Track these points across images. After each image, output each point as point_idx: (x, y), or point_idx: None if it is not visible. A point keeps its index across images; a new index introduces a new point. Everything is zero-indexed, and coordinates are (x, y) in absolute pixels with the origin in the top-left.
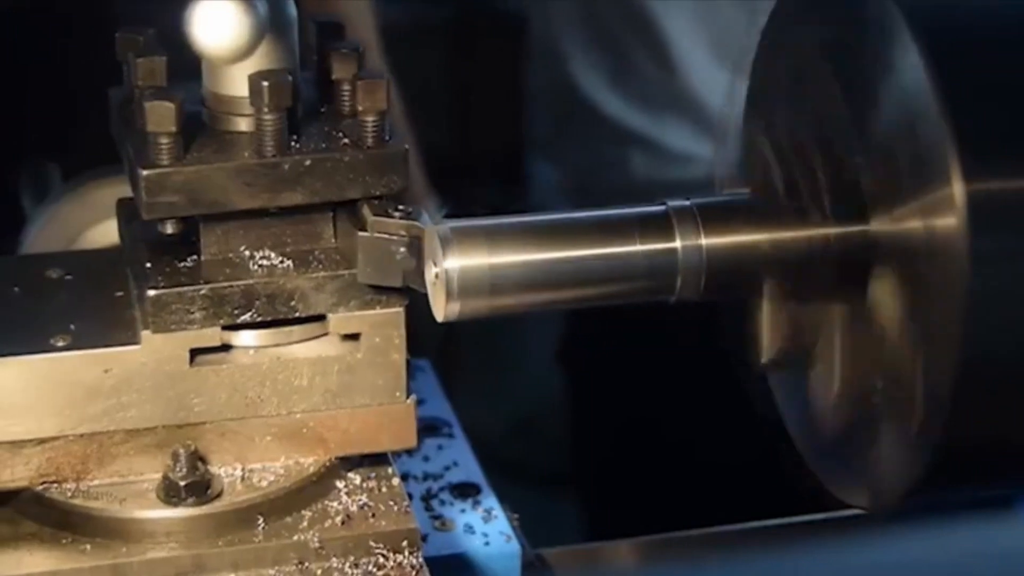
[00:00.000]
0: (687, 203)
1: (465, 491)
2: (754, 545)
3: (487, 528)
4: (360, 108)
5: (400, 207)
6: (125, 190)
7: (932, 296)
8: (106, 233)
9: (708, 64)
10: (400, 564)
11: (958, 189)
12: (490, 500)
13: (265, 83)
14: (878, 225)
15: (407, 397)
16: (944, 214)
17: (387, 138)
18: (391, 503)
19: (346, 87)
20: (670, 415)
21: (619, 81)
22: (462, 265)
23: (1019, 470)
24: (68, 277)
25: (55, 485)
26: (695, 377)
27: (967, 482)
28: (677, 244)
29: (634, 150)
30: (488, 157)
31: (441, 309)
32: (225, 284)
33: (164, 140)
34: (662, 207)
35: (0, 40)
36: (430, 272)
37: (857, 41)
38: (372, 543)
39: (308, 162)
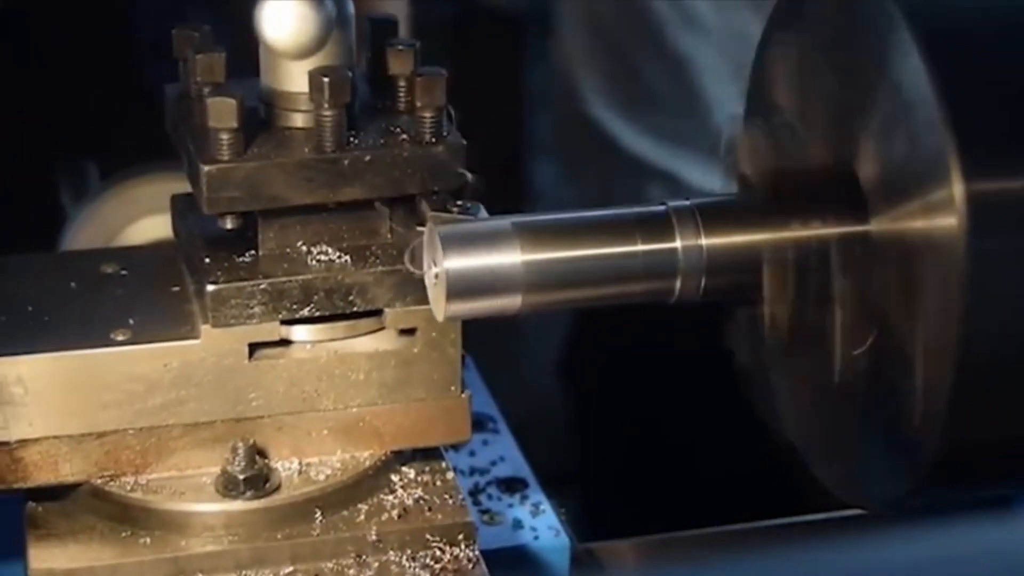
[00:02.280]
0: (687, 203)
1: (512, 486)
2: (754, 545)
3: (535, 522)
4: (418, 104)
5: (459, 202)
6: (164, 187)
7: (931, 296)
8: (146, 230)
9: (731, 97)
10: (457, 557)
11: (958, 189)
12: (537, 495)
13: (326, 79)
14: (878, 225)
15: (462, 391)
16: (944, 214)
17: (445, 134)
18: (446, 496)
19: (403, 83)
20: (670, 416)
21: (637, 112)
22: (462, 265)
23: (1019, 470)
24: (123, 272)
25: (113, 479)
26: (695, 377)
27: (967, 482)
28: (677, 244)
29: (651, 183)
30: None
31: (441, 309)
32: (284, 279)
33: (225, 136)
34: (662, 207)
35: (34, 39)
36: (430, 272)
37: (857, 41)
38: (429, 536)
39: (368, 158)
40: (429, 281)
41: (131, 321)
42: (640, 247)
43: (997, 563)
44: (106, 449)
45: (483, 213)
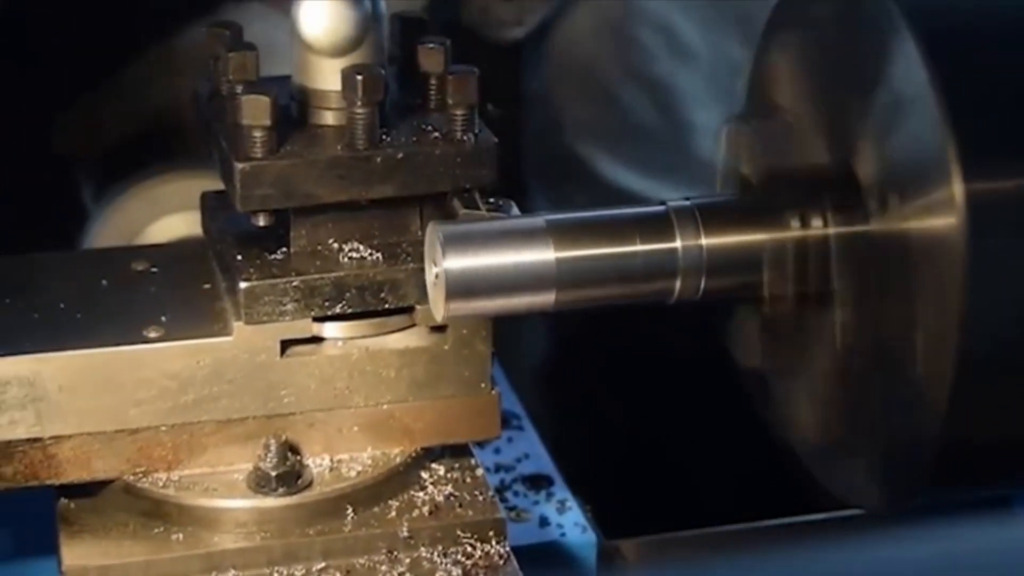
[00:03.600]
0: (687, 203)
1: (538, 483)
2: (754, 545)
3: (562, 519)
4: (450, 102)
5: (490, 199)
6: (185, 185)
7: (931, 296)
8: (167, 228)
9: (717, 125)
10: (488, 553)
11: (958, 189)
12: (563, 491)
13: (359, 77)
14: (878, 225)
15: (492, 388)
16: (944, 214)
17: (476, 131)
18: (476, 493)
19: (434, 81)
20: (670, 416)
21: (622, 145)
22: (462, 265)
23: (1019, 470)
24: (154, 270)
25: (146, 475)
26: (694, 377)
27: (967, 482)
28: (677, 244)
29: None
30: None
31: (441, 309)
32: (316, 276)
33: (258, 133)
34: (662, 207)
35: (58, 40)
36: (430, 272)
37: (857, 41)
38: (460, 532)
39: (400, 155)
40: (429, 281)
41: (163, 318)
42: (640, 247)
43: (997, 563)
44: (139, 446)
45: (515, 210)
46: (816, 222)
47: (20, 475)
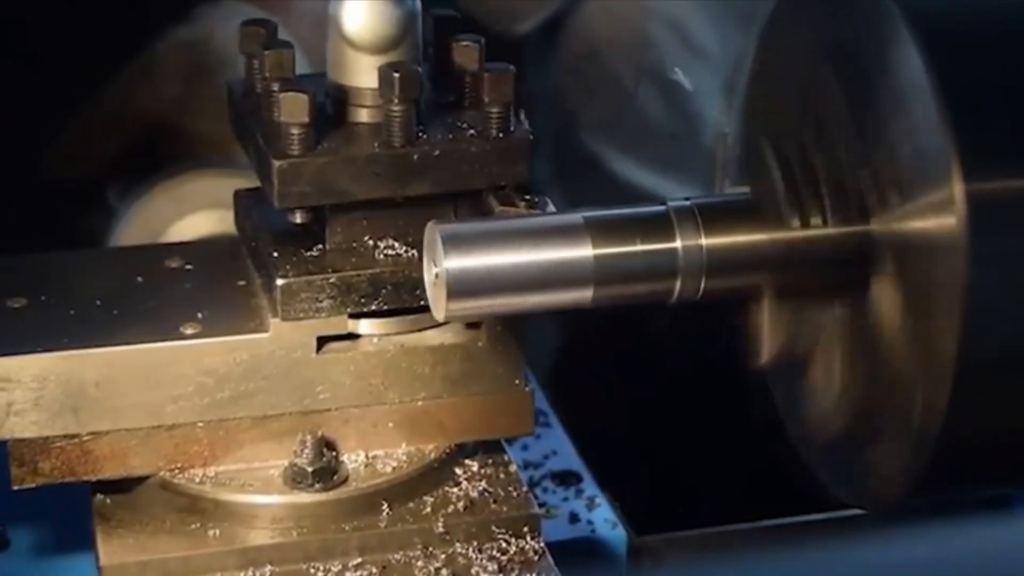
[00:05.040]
0: (687, 203)
1: (566, 479)
2: (754, 545)
3: (591, 516)
4: (486, 99)
5: (526, 196)
6: (211, 183)
7: (931, 296)
8: (193, 226)
9: (727, 121)
10: (523, 549)
11: (958, 189)
12: (592, 488)
13: (396, 74)
14: (878, 225)
15: (526, 385)
16: (944, 214)
17: (512, 129)
18: (510, 489)
19: (469, 78)
20: (670, 416)
21: (635, 143)
22: (462, 265)
23: (1019, 470)
24: (188, 267)
25: (182, 472)
26: (694, 377)
27: (967, 482)
28: (677, 244)
29: None
30: None
31: (441, 309)
32: (353, 273)
33: (296, 131)
34: (662, 207)
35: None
36: (430, 272)
37: (857, 41)
38: (495, 528)
39: (436, 152)
40: (429, 281)
41: (200, 315)
42: (640, 247)
43: (997, 563)
44: (175, 442)
45: (551, 207)
46: (816, 222)
47: (57, 471)
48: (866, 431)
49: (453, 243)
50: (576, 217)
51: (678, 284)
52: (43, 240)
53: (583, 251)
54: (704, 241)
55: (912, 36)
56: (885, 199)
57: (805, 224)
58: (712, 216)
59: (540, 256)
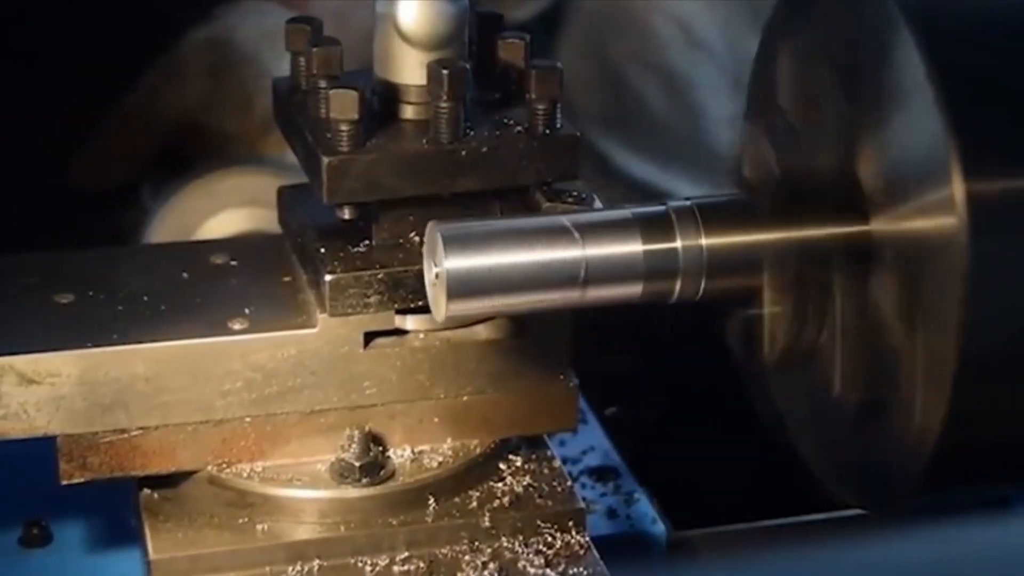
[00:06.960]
0: (687, 203)
1: (604, 475)
2: (754, 545)
3: (630, 511)
4: (533, 96)
5: (573, 192)
6: (243, 180)
7: (932, 296)
8: (223, 223)
9: (731, 116)
10: (568, 543)
11: (958, 189)
12: (630, 483)
13: (445, 71)
14: (878, 225)
15: (571, 380)
16: (944, 214)
17: (558, 125)
18: (555, 484)
19: (514, 75)
20: (669, 415)
21: (638, 137)
22: (462, 265)
23: (1019, 470)
24: (233, 263)
25: (229, 466)
26: (694, 377)
27: (967, 482)
28: (678, 244)
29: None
30: None
31: (441, 309)
32: (400, 269)
33: (345, 127)
34: (662, 207)
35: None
36: (430, 272)
37: (857, 40)
38: (540, 522)
39: (484, 149)
40: (429, 281)
41: (247, 311)
42: (640, 247)
43: (997, 563)
44: (223, 437)
45: (597, 203)
46: (817, 222)
47: (106, 466)
48: (866, 431)
49: (454, 243)
50: (577, 217)
51: (678, 284)
52: (75, 244)
53: (583, 251)
54: (704, 241)
55: (912, 36)
56: (885, 199)
57: (805, 224)
58: (712, 216)
59: (540, 256)
